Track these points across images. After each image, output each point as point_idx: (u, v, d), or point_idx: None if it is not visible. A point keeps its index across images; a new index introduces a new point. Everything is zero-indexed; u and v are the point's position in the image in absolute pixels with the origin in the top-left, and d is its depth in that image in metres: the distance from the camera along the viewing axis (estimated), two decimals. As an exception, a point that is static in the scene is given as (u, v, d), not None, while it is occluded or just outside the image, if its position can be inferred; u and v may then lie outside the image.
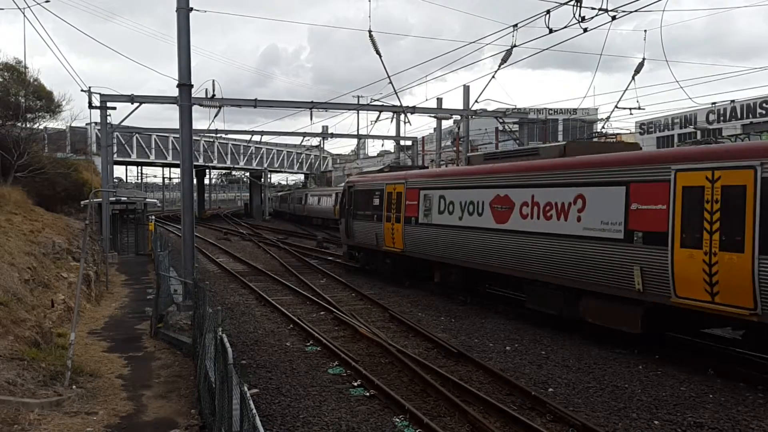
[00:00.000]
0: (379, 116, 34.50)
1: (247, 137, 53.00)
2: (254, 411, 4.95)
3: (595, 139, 23.60)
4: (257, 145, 64.55)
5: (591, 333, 13.27)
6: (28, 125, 29.42)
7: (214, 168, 71.16)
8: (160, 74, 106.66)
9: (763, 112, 39.97)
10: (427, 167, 34.65)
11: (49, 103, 30.49)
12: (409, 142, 49.51)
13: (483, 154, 17.74)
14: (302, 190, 61.97)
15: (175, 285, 17.48)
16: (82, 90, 26.79)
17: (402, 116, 34.45)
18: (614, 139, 23.56)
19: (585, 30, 15.87)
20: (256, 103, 29.71)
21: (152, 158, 55.52)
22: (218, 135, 50.05)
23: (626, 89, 26.98)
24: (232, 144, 64.14)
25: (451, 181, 17.77)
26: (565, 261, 13.13)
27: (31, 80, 29.55)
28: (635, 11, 15.35)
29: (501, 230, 15.13)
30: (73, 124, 38.34)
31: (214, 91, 25.57)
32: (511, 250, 14.78)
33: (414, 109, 31.36)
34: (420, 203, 18.80)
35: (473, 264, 16.39)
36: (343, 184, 55.92)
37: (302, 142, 53.51)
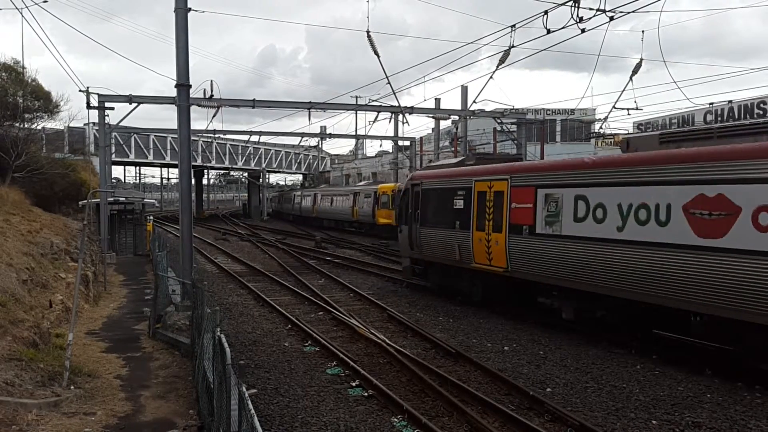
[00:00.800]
0: (377, 116, 34.64)
1: (246, 137, 53.14)
2: (252, 411, 4.95)
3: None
4: (255, 146, 64.61)
5: (589, 333, 13.27)
6: (25, 125, 29.42)
7: (212, 168, 71.14)
8: (158, 74, 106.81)
9: (761, 112, 39.97)
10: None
11: (47, 104, 30.47)
12: (407, 143, 49.67)
13: (657, 135, 12.81)
14: (311, 190, 60.27)
15: (173, 285, 17.49)
16: (80, 90, 26.82)
17: (400, 116, 34.51)
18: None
19: (583, 30, 15.90)
20: (254, 104, 29.79)
21: (150, 158, 55.52)
22: (216, 135, 50.11)
23: (624, 90, 27.14)
24: (230, 144, 64.12)
25: (598, 174, 12.79)
26: None
27: (29, 80, 29.53)
28: (633, 12, 15.40)
29: (709, 248, 10.37)
30: (71, 125, 38.40)
31: (212, 91, 25.63)
32: (734, 280, 10.01)
33: (412, 110, 31.43)
34: (538, 206, 14.11)
35: (643, 296, 11.66)
36: (361, 183, 54.93)
37: (300, 142, 53.59)
